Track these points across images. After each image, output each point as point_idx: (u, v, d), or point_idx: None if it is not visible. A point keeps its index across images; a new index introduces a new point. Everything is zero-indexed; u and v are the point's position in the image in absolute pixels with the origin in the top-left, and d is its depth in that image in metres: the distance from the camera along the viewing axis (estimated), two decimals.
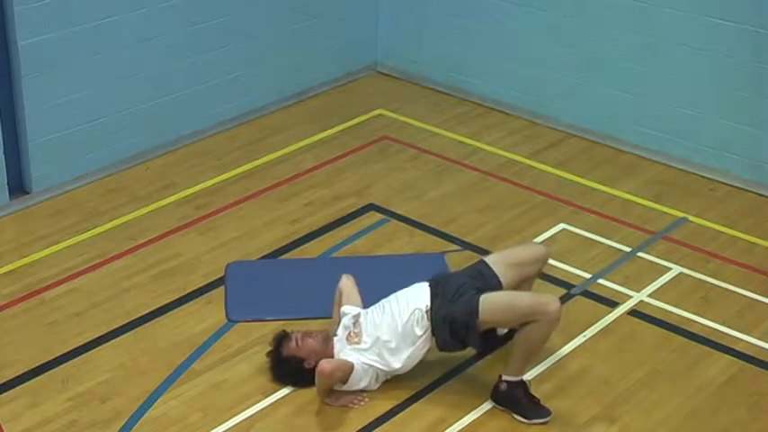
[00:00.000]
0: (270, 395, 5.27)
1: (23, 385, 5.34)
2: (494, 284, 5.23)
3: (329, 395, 5.21)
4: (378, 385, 5.27)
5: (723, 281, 6.15)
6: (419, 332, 5.15)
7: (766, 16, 6.72)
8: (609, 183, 7.12)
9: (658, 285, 6.10)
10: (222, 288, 6.03)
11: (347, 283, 5.52)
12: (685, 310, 5.91)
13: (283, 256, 6.34)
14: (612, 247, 6.43)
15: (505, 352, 5.54)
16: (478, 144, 7.58)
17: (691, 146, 7.23)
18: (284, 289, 6.03)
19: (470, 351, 5.40)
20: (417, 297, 5.20)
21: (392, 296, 5.32)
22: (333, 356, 5.24)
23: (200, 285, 6.07)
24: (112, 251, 6.36)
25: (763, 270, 6.26)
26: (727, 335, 5.73)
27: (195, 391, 5.30)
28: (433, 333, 5.16)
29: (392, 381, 5.30)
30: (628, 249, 6.41)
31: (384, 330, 5.18)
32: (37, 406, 5.20)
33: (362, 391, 5.24)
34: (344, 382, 5.19)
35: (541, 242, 6.35)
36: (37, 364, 5.46)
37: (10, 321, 5.79)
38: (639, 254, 6.39)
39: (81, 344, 5.61)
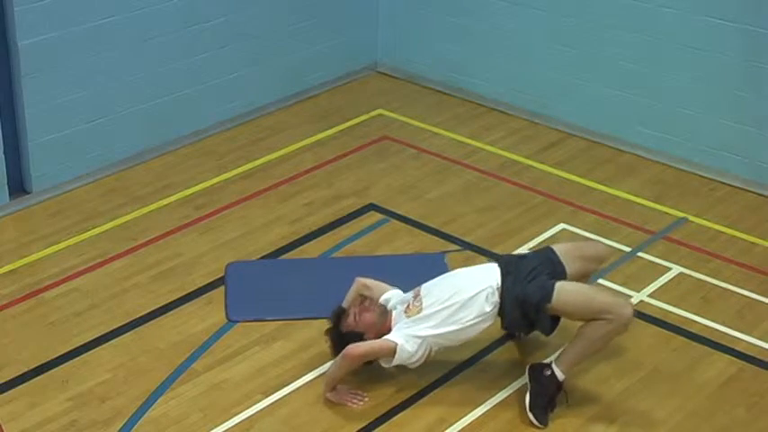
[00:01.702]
0: (270, 395, 5.27)
1: (23, 385, 5.34)
2: (560, 272, 5.19)
3: (332, 390, 5.21)
4: (426, 358, 5.20)
5: (723, 281, 6.15)
6: (488, 308, 5.09)
7: (766, 16, 6.72)
8: (609, 183, 7.12)
9: (658, 285, 6.10)
10: (222, 288, 6.03)
11: (368, 280, 5.48)
12: (685, 310, 5.91)
13: (283, 256, 6.34)
14: (612, 247, 6.43)
15: (509, 353, 5.56)
16: (478, 144, 7.58)
17: (691, 146, 7.23)
18: (284, 289, 6.03)
19: (472, 347, 5.41)
20: (488, 275, 5.16)
21: (457, 271, 5.30)
22: (391, 329, 5.20)
23: (201, 285, 6.07)
24: (112, 251, 6.36)
25: (762, 270, 6.26)
26: (727, 335, 5.73)
27: (195, 391, 5.30)
28: (501, 312, 5.13)
29: (392, 381, 5.30)
30: (628, 249, 6.41)
31: (445, 302, 5.11)
32: (37, 406, 5.20)
33: (418, 364, 5.19)
34: (392, 358, 5.15)
35: (540, 242, 6.35)
36: (37, 364, 5.46)
37: (10, 321, 5.79)
38: (639, 254, 6.39)
39: (81, 344, 5.61)
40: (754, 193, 7.01)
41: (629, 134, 7.46)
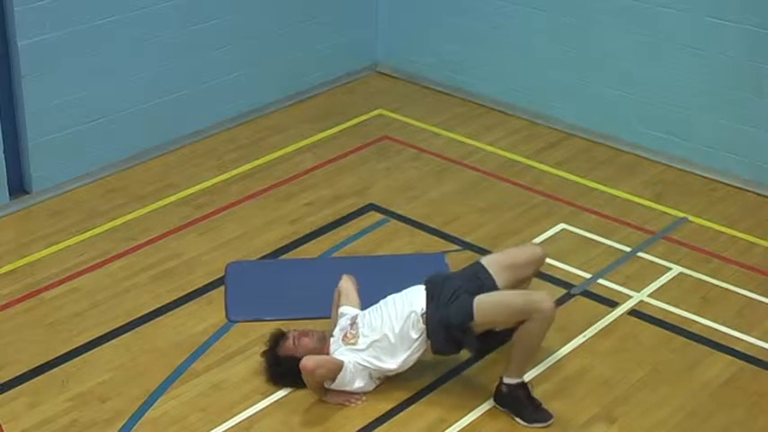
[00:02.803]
0: (269, 395, 5.27)
1: (23, 385, 5.34)
2: (489, 286, 5.21)
3: (326, 393, 5.21)
4: (374, 386, 5.26)
5: (723, 281, 6.15)
6: (414, 335, 5.14)
7: (766, 16, 6.72)
8: (609, 183, 7.12)
9: (658, 285, 6.10)
10: (222, 288, 6.04)
11: (347, 284, 5.51)
12: (685, 310, 5.91)
13: (283, 256, 6.34)
14: (612, 247, 6.43)
15: (504, 351, 5.55)
16: (478, 144, 7.58)
17: (691, 146, 7.23)
18: (284, 289, 6.03)
19: (467, 352, 5.41)
20: (413, 300, 5.19)
21: (389, 298, 5.31)
22: (328, 354, 5.23)
23: (200, 285, 6.07)
24: (112, 251, 6.37)
25: (762, 270, 6.26)
26: (727, 335, 5.73)
27: (195, 391, 5.30)
28: (429, 337, 5.15)
29: (392, 381, 5.30)
30: (628, 249, 6.41)
31: (380, 333, 5.17)
32: (37, 406, 5.20)
33: (359, 390, 5.22)
34: (333, 380, 5.17)
35: (540, 242, 6.35)
36: (37, 364, 5.46)
37: (10, 321, 5.79)
38: (639, 254, 6.39)
39: (81, 344, 5.61)
40: (754, 193, 7.01)
41: (629, 134, 7.46)
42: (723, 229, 6.65)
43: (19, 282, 6.10)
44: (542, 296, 5.08)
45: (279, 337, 5.30)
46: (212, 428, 5.08)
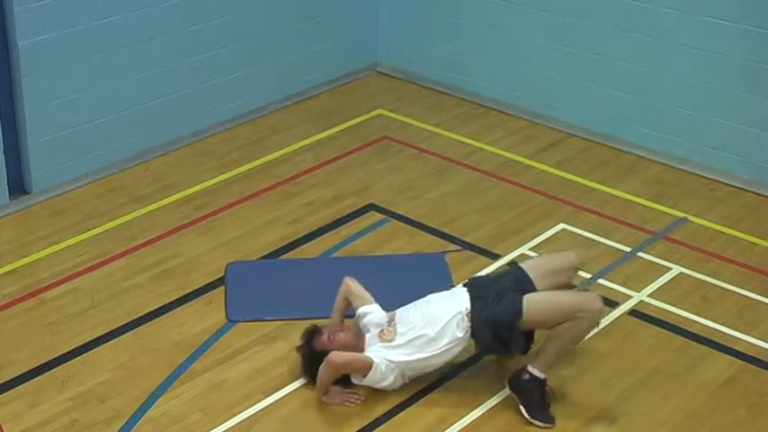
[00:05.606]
0: (270, 395, 5.27)
1: (23, 385, 5.34)
2: (529, 291, 5.17)
3: (326, 393, 5.21)
4: (401, 383, 5.23)
5: (723, 281, 6.15)
6: (459, 334, 5.10)
7: (766, 16, 6.72)
8: (609, 183, 7.12)
9: (658, 285, 6.10)
10: (222, 288, 6.04)
11: (355, 285, 5.46)
12: (685, 310, 5.91)
13: (283, 256, 6.34)
14: (612, 247, 6.43)
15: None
16: (478, 144, 7.58)
17: (691, 146, 7.23)
18: (284, 289, 6.03)
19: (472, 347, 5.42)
20: (457, 300, 5.16)
21: (428, 297, 5.29)
22: (363, 351, 5.20)
23: (201, 285, 6.07)
24: (112, 251, 6.37)
25: (762, 270, 6.26)
26: (727, 335, 5.73)
27: (195, 391, 5.30)
28: (474, 336, 5.12)
29: None
30: (628, 249, 6.41)
31: (418, 331, 5.13)
32: (37, 406, 5.20)
33: (389, 388, 5.20)
34: (364, 376, 5.16)
35: (540, 243, 6.36)
36: (37, 364, 5.47)
37: (10, 321, 5.79)
38: (639, 254, 6.39)
39: (81, 344, 5.61)
40: (754, 193, 7.01)
41: (629, 134, 7.46)
42: (723, 229, 6.65)
43: (19, 282, 6.10)
44: (593, 297, 5.08)
45: (314, 333, 5.29)
46: (212, 428, 5.08)
